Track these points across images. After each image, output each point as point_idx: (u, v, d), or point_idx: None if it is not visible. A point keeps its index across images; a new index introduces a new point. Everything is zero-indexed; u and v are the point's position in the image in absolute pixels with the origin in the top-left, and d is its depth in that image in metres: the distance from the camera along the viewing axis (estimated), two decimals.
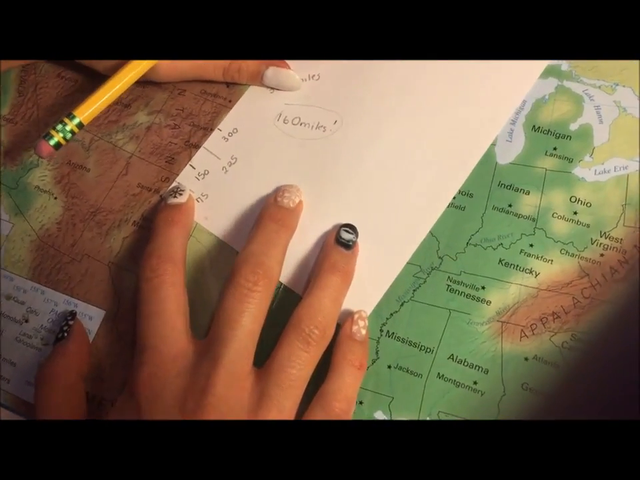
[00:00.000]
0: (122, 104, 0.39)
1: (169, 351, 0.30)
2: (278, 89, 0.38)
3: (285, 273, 0.34)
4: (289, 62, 0.38)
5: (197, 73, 0.37)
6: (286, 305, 0.33)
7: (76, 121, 0.33)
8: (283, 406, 0.29)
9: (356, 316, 0.32)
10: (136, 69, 0.35)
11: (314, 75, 0.38)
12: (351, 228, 0.34)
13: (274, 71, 0.37)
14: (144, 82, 0.39)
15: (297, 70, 0.38)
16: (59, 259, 0.36)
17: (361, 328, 0.32)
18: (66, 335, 0.34)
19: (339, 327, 0.32)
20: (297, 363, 0.29)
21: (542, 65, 0.36)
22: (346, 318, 0.32)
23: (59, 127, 0.33)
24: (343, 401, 0.30)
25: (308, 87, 0.38)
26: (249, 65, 0.37)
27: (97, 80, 0.39)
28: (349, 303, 0.33)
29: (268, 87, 0.38)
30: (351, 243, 0.33)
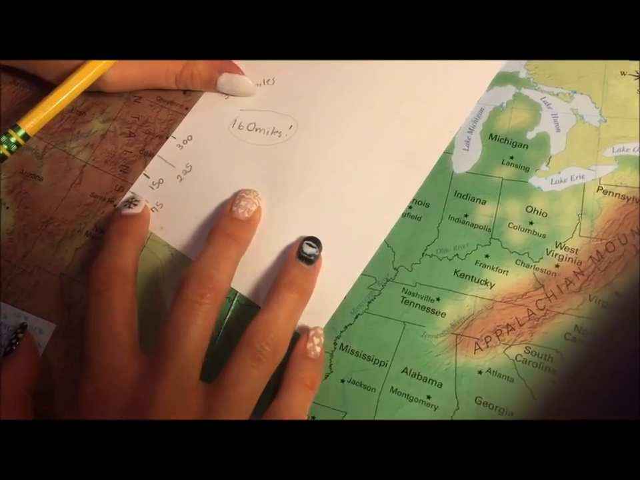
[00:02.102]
0: (77, 111, 0.39)
1: (114, 366, 0.30)
2: (232, 95, 0.37)
3: (245, 284, 0.34)
4: (242, 66, 0.37)
5: (148, 82, 0.37)
6: (245, 318, 0.33)
7: (21, 132, 0.33)
8: None
9: (311, 333, 0.32)
10: (83, 78, 0.34)
11: (269, 80, 0.37)
12: (314, 241, 0.33)
13: (227, 77, 0.36)
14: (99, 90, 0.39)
15: (252, 75, 0.37)
16: (9, 271, 0.36)
17: (315, 345, 0.31)
18: (15, 348, 0.33)
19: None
20: (247, 379, 0.29)
21: (494, 70, 0.35)
22: (301, 334, 0.32)
23: (4, 138, 0.32)
24: None
25: (263, 91, 0.37)
26: (202, 72, 0.36)
27: (51, 87, 0.39)
28: (302, 315, 0.32)
29: (222, 93, 0.37)
30: (312, 258, 0.32)
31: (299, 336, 0.32)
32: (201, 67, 0.36)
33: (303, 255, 0.32)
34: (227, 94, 0.37)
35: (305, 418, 0.30)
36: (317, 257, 0.33)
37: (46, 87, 0.39)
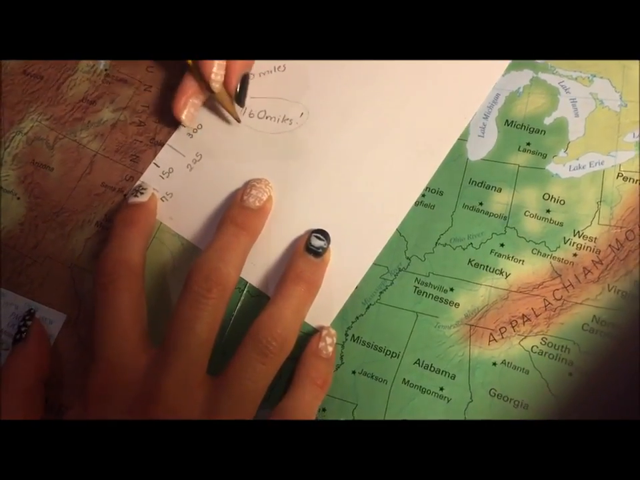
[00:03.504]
0: (87, 100, 0.38)
1: (121, 361, 0.29)
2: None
3: (255, 274, 0.33)
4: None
5: None
6: (256, 309, 0.32)
7: None
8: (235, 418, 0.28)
9: (324, 332, 0.31)
10: None
11: (279, 67, 0.37)
12: (322, 234, 0.32)
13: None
14: (109, 78, 0.38)
15: (263, 61, 0.37)
16: (20, 261, 0.35)
17: (327, 345, 0.31)
18: (24, 335, 0.33)
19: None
20: (253, 375, 0.28)
21: None
22: (314, 333, 0.31)
23: None
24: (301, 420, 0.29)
25: (273, 78, 0.37)
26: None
27: (63, 74, 0.38)
28: (312, 306, 0.32)
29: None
30: (320, 250, 0.32)
31: (307, 327, 0.32)
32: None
33: (311, 247, 0.32)
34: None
35: (314, 417, 0.30)
36: (325, 249, 0.32)
37: (57, 76, 0.39)
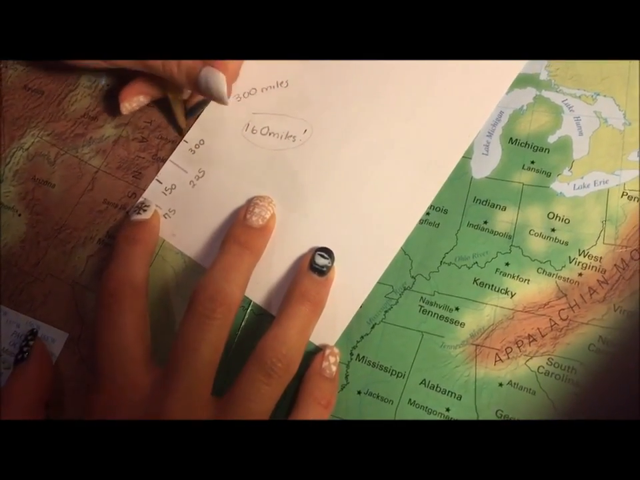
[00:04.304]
0: (89, 116, 0.38)
1: (125, 381, 0.29)
2: (207, 96, 0.34)
3: (259, 292, 0.33)
4: (256, 67, 0.36)
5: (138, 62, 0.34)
6: (260, 327, 0.32)
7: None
8: None
9: (327, 351, 0.31)
10: None
11: (282, 82, 0.37)
12: (326, 252, 0.32)
13: (206, 71, 0.33)
14: (113, 94, 0.38)
15: (265, 77, 0.36)
16: (21, 279, 0.35)
17: (331, 364, 0.30)
18: (26, 355, 0.32)
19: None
20: (257, 396, 0.28)
21: (514, 72, 0.34)
22: (317, 353, 0.31)
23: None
24: None
25: (276, 94, 0.36)
26: (188, 62, 0.33)
27: (64, 89, 0.38)
28: (317, 325, 0.32)
29: (202, 94, 0.34)
30: (325, 269, 0.32)
31: (311, 345, 0.32)
32: (190, 61, 0.33)
33: (315, 266, 0.32)
34: (204, 95, 0.34)
35: None
36: (329, 268, 0.32)
37: (58, 91, 0.39)
